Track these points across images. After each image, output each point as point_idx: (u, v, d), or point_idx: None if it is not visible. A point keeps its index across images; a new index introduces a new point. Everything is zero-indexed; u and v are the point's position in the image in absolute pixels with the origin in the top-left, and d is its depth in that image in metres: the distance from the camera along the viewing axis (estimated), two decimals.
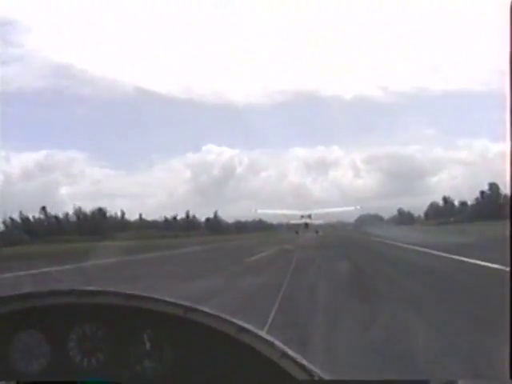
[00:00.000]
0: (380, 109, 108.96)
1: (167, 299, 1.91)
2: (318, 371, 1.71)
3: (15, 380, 1.88)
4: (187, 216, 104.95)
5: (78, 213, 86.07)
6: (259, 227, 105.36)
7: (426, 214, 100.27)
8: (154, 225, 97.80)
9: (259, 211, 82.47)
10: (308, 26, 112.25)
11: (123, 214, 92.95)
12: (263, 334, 1.86)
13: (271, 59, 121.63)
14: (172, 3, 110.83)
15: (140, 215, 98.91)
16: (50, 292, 2.01)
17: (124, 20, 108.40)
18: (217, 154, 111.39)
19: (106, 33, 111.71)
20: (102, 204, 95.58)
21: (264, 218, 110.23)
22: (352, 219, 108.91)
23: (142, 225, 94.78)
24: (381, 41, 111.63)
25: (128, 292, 1.93)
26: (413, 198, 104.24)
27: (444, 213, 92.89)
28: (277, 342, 1.80)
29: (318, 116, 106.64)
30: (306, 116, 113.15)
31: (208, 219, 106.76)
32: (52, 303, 1.99)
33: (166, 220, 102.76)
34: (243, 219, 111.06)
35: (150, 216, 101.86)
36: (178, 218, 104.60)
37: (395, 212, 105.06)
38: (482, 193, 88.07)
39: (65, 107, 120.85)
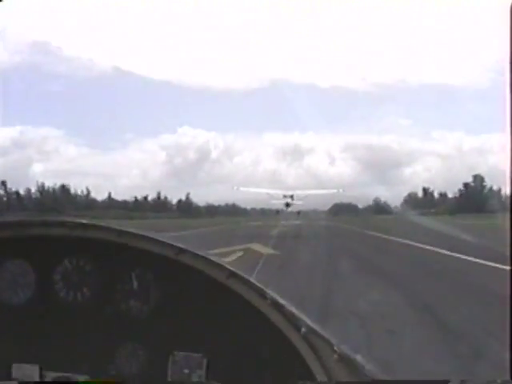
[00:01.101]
0: (357, 98, 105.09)
1: (160, 239, 1.83)
2: (308, 323, 1.64)
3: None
4: (158, 197, 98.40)
5: (41, 189, 79.41)
6: (232, 212, 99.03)
7: (404, 205, 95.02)
8: (123, 205, 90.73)
9: (241, 189, 75.46)
10: (287, 13, 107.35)
11: (88, 191, 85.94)
12: (254, 281, 1.76)
13: (248, 45, 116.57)
14: None
15: (109, 194, 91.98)
16: (41, 221, 1.93)
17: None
18: (192, 136, 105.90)
19: (85, 10, 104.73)
20: (76, 182, 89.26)
21: (238, 203, 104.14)
22: (326, 207, 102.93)
23: (111, 204, 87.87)
24: (361, 31, 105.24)
25: (120, 228, 1.84)
26: (387, 189, 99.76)
27: (423, 204, 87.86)
28: (267, 291, 1.72)
29: (294, 103, 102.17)
30: (282, 102, 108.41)
31: (180, 201, 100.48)
32: (42, 233, 1.91)
33: (136, 200, 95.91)
34: (216, 203, 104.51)
35: (121, 196, 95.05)
36: (150, 198, 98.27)
37: (369, 202, 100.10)
38: (466, 185, 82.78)
39: (41, 84, 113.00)
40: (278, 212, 74.39)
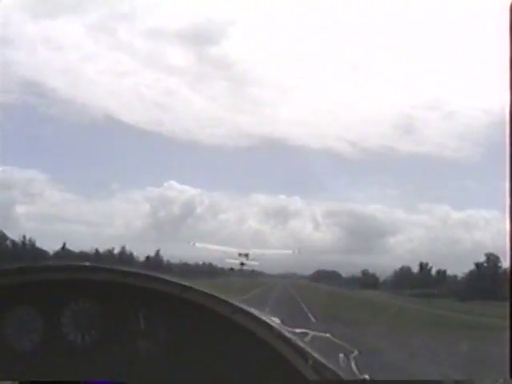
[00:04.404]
0: (346, 164, 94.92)
1: (164, 277, 1.82)
2: (316, 355, 1.58)
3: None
4: (123, 251, 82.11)
5: None
6: (208, 271, 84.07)
7: (397, 280, 79.71)
8: (79, 257, 74.56)
9: (197, 245, 68.71)
10: (281, 74, 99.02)
11: (23, 240, 69.48)
12: (259, 315, 1.75)
13: (242, 103, 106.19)
14: (152, 38, 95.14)
15: (64, 244, 75.52)
16: (44, 267, 1.92)
17: (100, 44, 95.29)
18: (178, 191, 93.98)
19: (81, 54, 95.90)
20: (58, 228, 79.64)
21: (215, 262, 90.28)
22: (308, 272, 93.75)
23: (64, 257, 71.53)
24: (355, 96, 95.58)
25: (125, 269, 1.85)
26: (370, 257, 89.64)
27: (419, 282, 72.71)
28: (273, 324, 1.71)
29: (283, 165, 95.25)
30: (271, 163, 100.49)
31: (148, 258, 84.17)
32: (47, 278, 1.87)
33: (97, 253, 79.33)
34: (193, 261, 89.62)
35: (82, 246, 78.48)
36: (116, 252, 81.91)
37: (354, 270, 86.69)
38: (478, 265, 66.87)
39: (30, 125, 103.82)
40: (232, 269, 69.03)
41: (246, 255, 65.80)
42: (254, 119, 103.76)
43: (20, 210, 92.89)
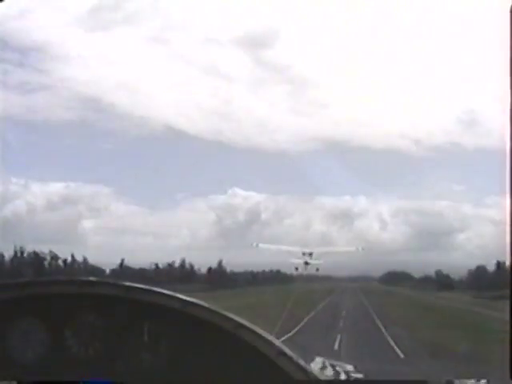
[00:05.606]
0: (410, 162, 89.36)
1: (166, 292, 1.76)
2: (315, 372, 1.57)
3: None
4: (182, 265, 79.00)
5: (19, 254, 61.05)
6: (277, 278, 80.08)
7: (474, 281, 73.46)
8: (139, 274, 71.80)
9: (261, 245, 65.53)
10: (341, 74, 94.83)
11: (65, 261, 66.85)
12: (261, 331, 1.69)
13: (301, 107, 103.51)
14: (207, 46, 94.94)
15: (122, 261, 72.96)
16: (51, 281, 1.92)
17: (155, 56, 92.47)
18: (243, 197, 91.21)
19: (138, 68, 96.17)
20: (125, 241, 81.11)
21: (283, 269, 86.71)
22: (377, 274, 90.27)
23: (120, 274, 68.97)
24: (416, 94, 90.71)
25: (128, 283, 1.78)
26: (439, 255, 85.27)
27: (496, 282, 66.19)
28: (275, 341, 1.67)
29: (347, 166, 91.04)
30: (334, 165, 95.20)
31: (210, 269, 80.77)
32: (53, 292, 1.86)
33: (157, 268, 76.58)
34: (259, 269, 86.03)
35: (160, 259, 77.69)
36: (176, 265, 78.95)
37: (425, 269, 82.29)
38: None
39: (91, 140, 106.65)
40: (297, 269, 64.91)
41: (310, 254, 62.61)
42: (315, 122, 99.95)
43: (86, 224, 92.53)
